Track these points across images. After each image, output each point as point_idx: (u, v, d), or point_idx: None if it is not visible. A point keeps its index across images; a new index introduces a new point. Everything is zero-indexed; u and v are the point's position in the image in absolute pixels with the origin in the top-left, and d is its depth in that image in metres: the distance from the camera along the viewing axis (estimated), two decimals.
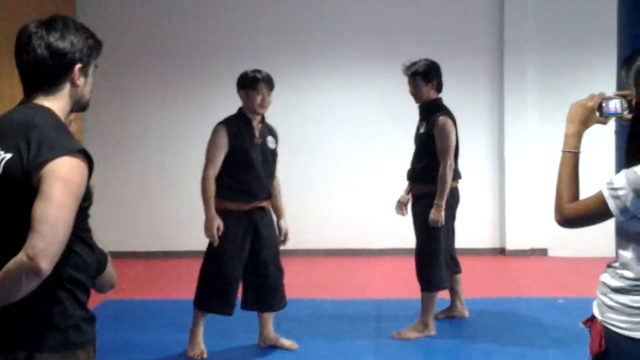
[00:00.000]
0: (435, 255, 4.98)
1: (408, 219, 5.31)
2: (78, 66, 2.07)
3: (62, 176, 1.91)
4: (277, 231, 4.80)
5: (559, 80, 7.37)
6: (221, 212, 4.56)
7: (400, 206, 5.31)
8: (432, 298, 5.01)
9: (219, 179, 4.58)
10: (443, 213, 4.84)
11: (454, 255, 5.29)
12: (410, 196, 5.24)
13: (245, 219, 4.62)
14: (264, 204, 4.72)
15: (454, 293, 5.35)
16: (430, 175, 4.91)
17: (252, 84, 4.58)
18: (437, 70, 5.06)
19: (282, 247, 4.84)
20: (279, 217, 4.84)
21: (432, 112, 4.99)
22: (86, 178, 1.99)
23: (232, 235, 4.58)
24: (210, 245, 4.63)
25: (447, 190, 4.85)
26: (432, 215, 4.84)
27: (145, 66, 7.80)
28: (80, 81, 2.09)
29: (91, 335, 2.10)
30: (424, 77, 4.99)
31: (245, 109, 4.65)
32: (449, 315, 5.38)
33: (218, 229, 4.50)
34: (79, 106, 2.15)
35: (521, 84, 7.43)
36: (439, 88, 5.07)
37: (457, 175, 5.10)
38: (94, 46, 2.12)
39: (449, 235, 5.13)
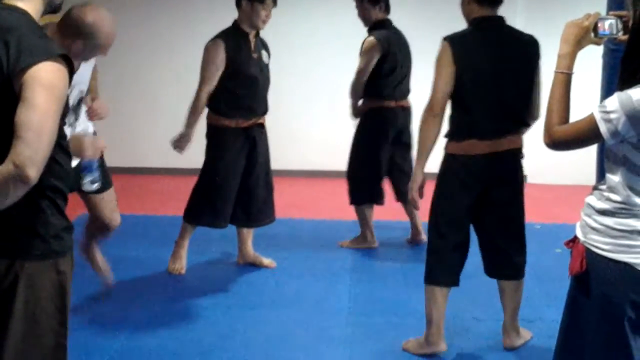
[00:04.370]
0: (355, 172, 5.21)
1: None
2: None
3: (44, 82, 1.86)
4: (268, 148, 4.75)
5: (548, 6, 7.29)
6: (219, 129, 4.50)
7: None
8: (359, 211, 5.25)
9: (215, 95, 4.46)
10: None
11: (398, 185, 5.26)
12: None
13: (244, 135, 4.55)
14: (262, 119, 4.66)
15: (410, 218, 5.42)
16: (365, 93, 5.09)
17: None
18: None
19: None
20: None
21: (369, 33, 5.07)
22: (67, 83, 1.94)
23: (231, 152, 4.53)
24: (208, 159, 4.59)
25: (353, 100, 5.09)
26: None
27: None
28: None
29: (71, 244, 2.11)
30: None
31: (244, 22, 4.48)
32: (414, 240, 5.45)
33: (186, 144, 4.50)
34: (51, 8, 2.07)
35: (510, 9, 7.32)
36: (387, 9, 5.08)
37: (391, 95, 5.10)
38: None
39: (378, 158, 5.16)
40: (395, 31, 5.12)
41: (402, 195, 5.22)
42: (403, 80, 5.15)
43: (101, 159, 3.29)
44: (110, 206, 3.89)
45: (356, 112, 5.16)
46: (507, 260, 3.61)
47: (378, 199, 5.26)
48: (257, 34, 4.58)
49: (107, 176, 3.75)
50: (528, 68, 3.43)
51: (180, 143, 4.52)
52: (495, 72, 3.36)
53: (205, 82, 4.43)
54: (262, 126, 4.68)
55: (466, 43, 3.41)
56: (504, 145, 3.43)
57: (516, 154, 3.48)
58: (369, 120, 5.13)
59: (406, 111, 5.20)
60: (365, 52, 4.99)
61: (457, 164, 3.46)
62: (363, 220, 5.31)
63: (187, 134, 4.49)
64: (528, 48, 3.46)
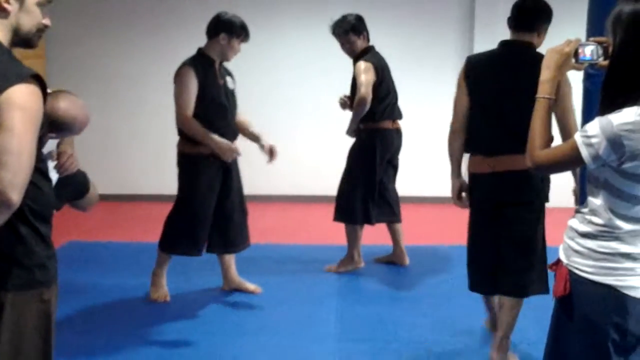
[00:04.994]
0: (351, 191, 5.23)
1: None
2: None
3: (19, 104, 1.85)
4: (240, 173, 4.76)
5: None
6: (193, 157, 4.49)
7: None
8: (350, 230, 5.29)
9: None
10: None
11: (390, 203, 5.37)
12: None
13: (218, 161, 4.55)
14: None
15: (393, 241, 5.49)
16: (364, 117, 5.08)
17: (240, 34, 4.49)
18: (362, 20, 5.18)
19: (270, 163, 4.85)
20: (259, 140, 4.79)
21: (356, 61, 5.14)
22: (42, 104, 1.93)
23: (205, 179, 4.53)
24: (183, 188, 4.58)
25: (355, 120, 5.07)
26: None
27: (110, 10, 7.60)
28: (12, 7, 1.96)
29: (55, 273, 2.10)
30: (355, 31, 5.11)
31: (213, 52, 4.52)
32: (389, 260, 5.53)
33: (235, 149, 4.52)
34: (19, 38, 2.02)
35: (491, 33, 7.38)
36: (368, 37, 5.21)
37: (388, 116, 5.19)
38: None
39: (373, 178, 5.20)
40: (379, 56, 5.20)
41: (386, 216, 5.35)
42: (396, 102, 5.26)
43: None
44: None
45: (354, 133, 5.22)
46: (507, 277, 3.66)
47: (370, 219, 5.30)
48: (221, 62, 4.61)
49: None
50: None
51: (227, 152, 4.50)
52: (500, 91, 3.55)
53: (186, 107, 4.42)
54: None
55: (479, 62, 3.70)
56: (506, 164, 3.53)
57: (519, 174, 3.48)
58: (365, 140, 5.19)
59: (399, 133, 5.29)
60: (363, 76, 5.02)
61: (470, 183, 3.76)
62: (353, 240, 5.35)
63: (218, 144, 4.46)
64: None
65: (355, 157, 5.29)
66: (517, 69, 3.53)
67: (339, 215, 5.36)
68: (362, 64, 5.05)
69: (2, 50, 1.95)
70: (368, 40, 5.22)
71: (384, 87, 5.14)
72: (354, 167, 5.28)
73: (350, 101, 5.23)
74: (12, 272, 1.97)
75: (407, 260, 5.52)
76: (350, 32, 5.11)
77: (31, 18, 2.02)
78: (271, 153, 4.79)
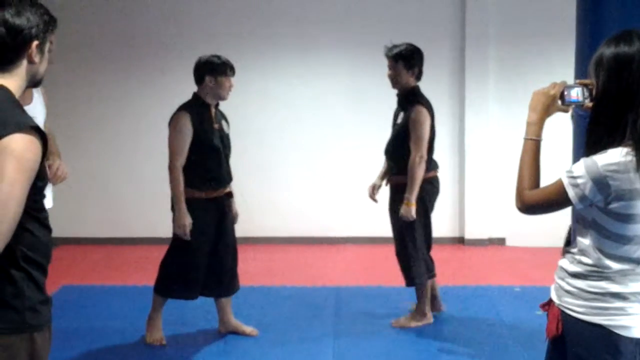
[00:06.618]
0: (413, 250, 4.86)
1: (370, 207, 5.33)
2: (35, 43, 2.05)
3: (14, 153, 1.88)
4: (234, 218, 4.79)
5: (520, 71, 7.43)
6: (188, 201, 4.47)
7: (374, 190, 5.16)
8: (421, 289, 4.94)
9: (186, 168, 4.47)
10: (414, 207, 4.72)
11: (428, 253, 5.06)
12: (382, 182, 5.15)
13: (213, 206, 4.58)
14: (229, 189, 4.71)
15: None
16: (407, 167, 4.77)
17: (224, 70, 4.50)
18: (421, 56, 4.89)
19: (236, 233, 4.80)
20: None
21: (410, 101, 4.83)
22: (39, 155, 1.96)
23: (201, 224, 4.52)
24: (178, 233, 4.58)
25: (418, 183, 4.71)
26: (403, 210, 4.75)
27: (102, 53, 7.64)
28: (37, 58, 2.07)
29: (47, 317, 2.10)
30: (407, 62, 4.81)
31: (207, 95, 4.54)
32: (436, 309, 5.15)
33: (189, 225, 4.42)
34: (32, 83, 2.13)
35: (482, 74, 7.49)
36: (418, 76, 4.91)
37: (434, 165, 4.98)
38: (50, 22, 2.10)
39: (426, 227, 4.96)
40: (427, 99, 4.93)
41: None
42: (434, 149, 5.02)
43: None
44: None
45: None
46: None
47: (434, 269, 5.05)
48: (217, 105, 4.65)
49: None
50: None
51: (180, 228, 4.44)
52: None
53: (177, 154, 4.45)
54: (229, 195, 4.72)
55: None
56: None
57: None
58: (420, 194, 4.79)
59: (438, 179, 5.08)
60: (422, 123, 4.74)
61: None
62: (425, 296, 4.95)
63: (181, 214, 4.42)
64: None
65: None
66: None
67: (410, 282, 4.96)
68: (419, 112, 4.75)
69: (10, 101, 2.00)
70: (418, 78, 4.91)
71: (432, 133, 4.86)
72: (411, 226, 4.83)
73: (392, 146, 4.96)
74: (3, 314, 1.98)
75: (444, 307, 5.21)
76: (400, 60, 4.80)
77: (46, 63, 2.13)
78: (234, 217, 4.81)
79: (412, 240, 4.86)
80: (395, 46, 4.86)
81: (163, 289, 4.66)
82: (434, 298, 5.10)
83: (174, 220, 4.50)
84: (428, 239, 5.01)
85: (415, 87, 4.90)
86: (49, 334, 2.11)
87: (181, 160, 4.45)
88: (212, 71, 4.50)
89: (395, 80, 4.89)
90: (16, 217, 1.89)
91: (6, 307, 1.98)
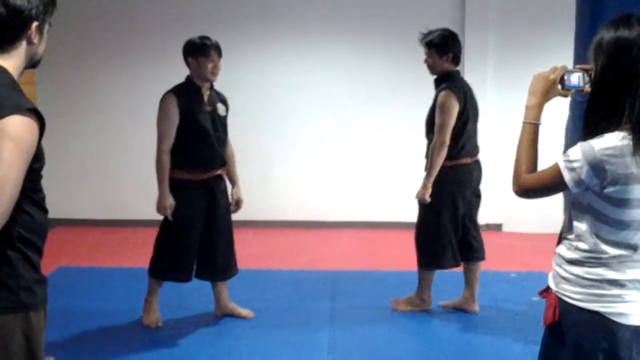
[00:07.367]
0: (432, 233, 4.81)
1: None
2: (35, 24, 2.04)
3: (11, 134, 1.88)
4: (229, 199, 4.79)
5: (518, 56, 7.42)
6: (179, 183, 4.49)
7: None
8: (426, 274, 4.91)
9: (174, 149, 4.48)
10: (429, 192, 4.67)
11: (470, 240, 4.95)
12: None
13: (202, 188, 4.58)
14: (220, 171, 4.69)
15: (465, 282, 5.01)
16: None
17: (203, 51, 4.48)
18: (454, 41, 4.81)
19: (234, 216, 4.81)
20: (232, 185, 4.82)
21: (440, 86, 4.77)
22: (37, 137, 1.96)
23: (190, 205, 4.53)
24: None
25: (436, 169, 4.65)
26: (417, 192, 4.74)
27: (101, 33, 7.61)
28: (36, 39, 2.06)
29: (43, 297, 2.10)
30: (439, 49, 4.74)
31: (195, 77, 4.54)
32: (457, 306, 5.01)
33: (170, 207, 4.44)
34: (31, 64, 2.12)
35: (481, 60, 7.47)
36: (455, 61, 4.82)
37: (468, 151, 4.81)
38: (49, 3, 2.09)
39: (457, 216, 4.84)
40: (464, 83, 4.85)
41: (470, 252, 4.98)
42: (474, 135, 4.90)
43: None
44: None
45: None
46: None
47: (456, 261, 4.92)
48: (212, 87, 4.64)
49: None
50: None
51: (161, 210, 4.47)
52: None
53: (164, 138, 4.45)
54: (220, 178, 4.71)
55: None
56: None
57: None
58: (446, 180, 4.73)
59: (479, 164, 4.96)
60: (446, 110, 4.64)
61: None
62: (428, 282, 4.94)
63: (162, 195, 4.45)
64: None
65: (435, 200, 4.74)
66: None
67: (420, 261, 4.93)
68: (443, 96, 4.67)
69: (9, 82, 1.99)
70: (455, 63, 4.82)
71: (462, 119, 4.72)
72: (434, 211, 4.78)
73: (428, 126, 4.86)
74: None
75: (477, 307, 4.98)
76: (432, 47, 4.75)
77: (45, 44, 2.12)
78: (237, 204, 4.80)
79: (435, 226, 4.80)
80: (429, 32, 4.81)
81: (155, 271, 4.67)
82: (471, 289, 4.96)
83: (158, 206, 4.50)
84: (457, 229, 4.87)
85: (450, 72, 4.81)
86: (44, 313, 2.11)
87: (168, 142, 4.45)
88: (193, 52, 4.51)
89: (431, 67, 4.84)
90: (13, 198, 1.89)
91: (1, 286, 1.98)
